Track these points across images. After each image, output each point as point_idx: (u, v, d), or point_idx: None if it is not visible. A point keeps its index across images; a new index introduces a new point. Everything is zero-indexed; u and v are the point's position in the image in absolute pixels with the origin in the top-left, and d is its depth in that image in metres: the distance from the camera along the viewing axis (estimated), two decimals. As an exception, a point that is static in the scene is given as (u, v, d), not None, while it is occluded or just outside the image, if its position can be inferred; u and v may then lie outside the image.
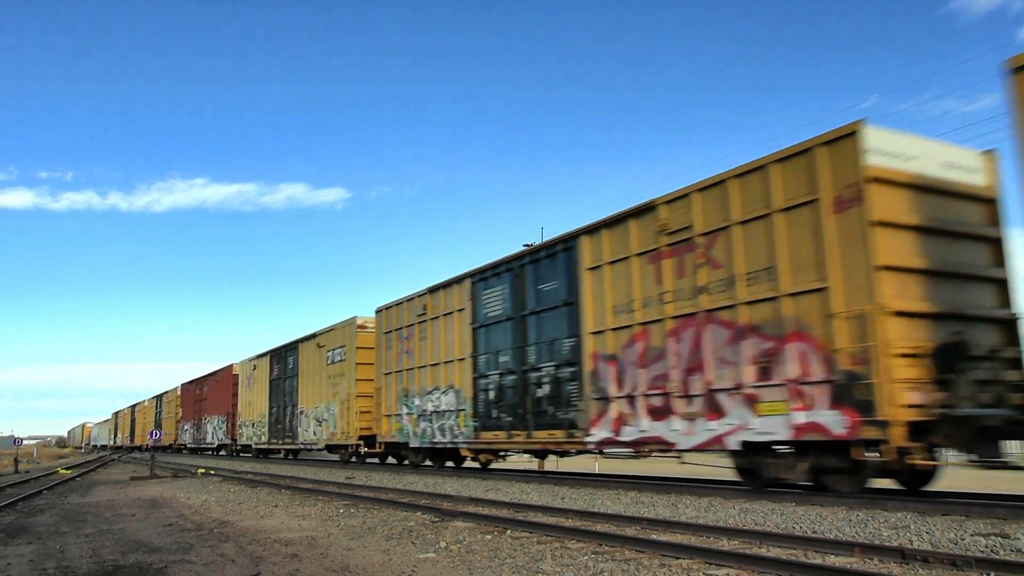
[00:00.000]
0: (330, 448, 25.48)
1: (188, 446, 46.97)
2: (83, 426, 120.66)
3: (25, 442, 71.74)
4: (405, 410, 19.60)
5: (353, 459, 24.98)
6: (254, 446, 33.47)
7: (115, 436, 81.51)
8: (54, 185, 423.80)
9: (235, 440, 36.74)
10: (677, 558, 6.42)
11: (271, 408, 30.82)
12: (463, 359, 17.05)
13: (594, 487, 13.19)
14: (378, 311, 21.72)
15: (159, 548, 8.21)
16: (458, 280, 17.58)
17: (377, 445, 21.43)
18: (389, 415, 20.57)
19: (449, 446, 17.68)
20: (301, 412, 27.50)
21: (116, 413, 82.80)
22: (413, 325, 19.41)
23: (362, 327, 23.30)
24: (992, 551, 6.14)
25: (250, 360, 34.51)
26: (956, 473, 21.21)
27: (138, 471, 26.82)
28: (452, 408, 17.34)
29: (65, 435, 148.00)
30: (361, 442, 22.71)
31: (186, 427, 47.22)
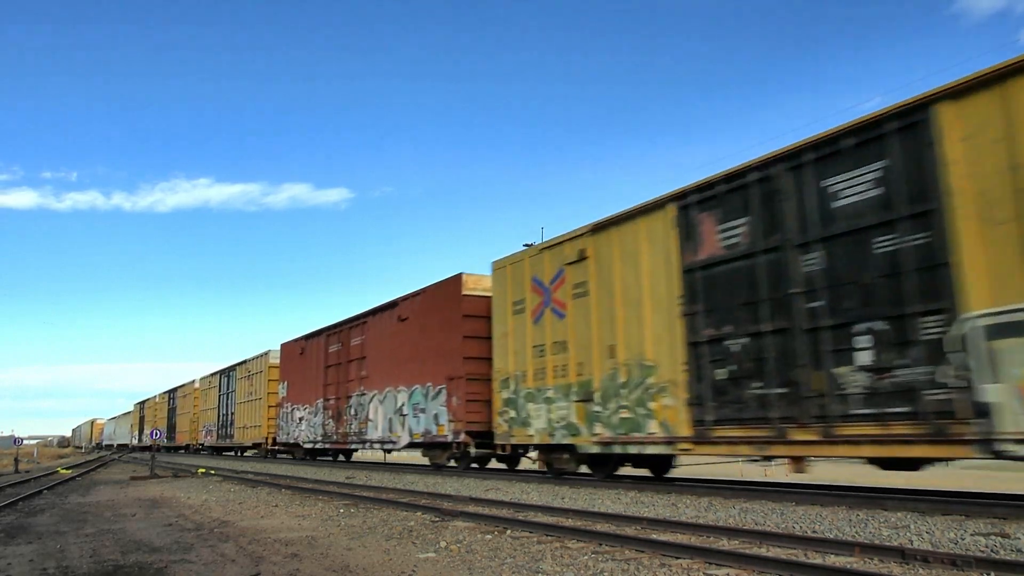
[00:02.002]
0: None
1: (309, 445, 26.08)
2: (92, 422, 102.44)
3: (25, 442, 71.71)
4: None
5: None
6: (621, 445, 12.45)
7: (140, 433, 65.22)
8: (58, 185, 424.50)
9: (473, 434, 16.64)
10: (677, 558, 6.42)
11: (697, 344, 11.15)
12: None
13: (594, 487, 13.18)
14: None
15: (159, 548, 8.21)
16: None
17: None
18: None
19: None
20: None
21: (142, 403, 65.32)
22: None
23: None
24: (992, 551, 6.13)
25: (549, 245, 14.50)
26: (957, 472, 21.20)
27: (138, 471, 26.84)
28: None
29: (69, 434, 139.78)
30: None
31: (300, 415, 26.96)
